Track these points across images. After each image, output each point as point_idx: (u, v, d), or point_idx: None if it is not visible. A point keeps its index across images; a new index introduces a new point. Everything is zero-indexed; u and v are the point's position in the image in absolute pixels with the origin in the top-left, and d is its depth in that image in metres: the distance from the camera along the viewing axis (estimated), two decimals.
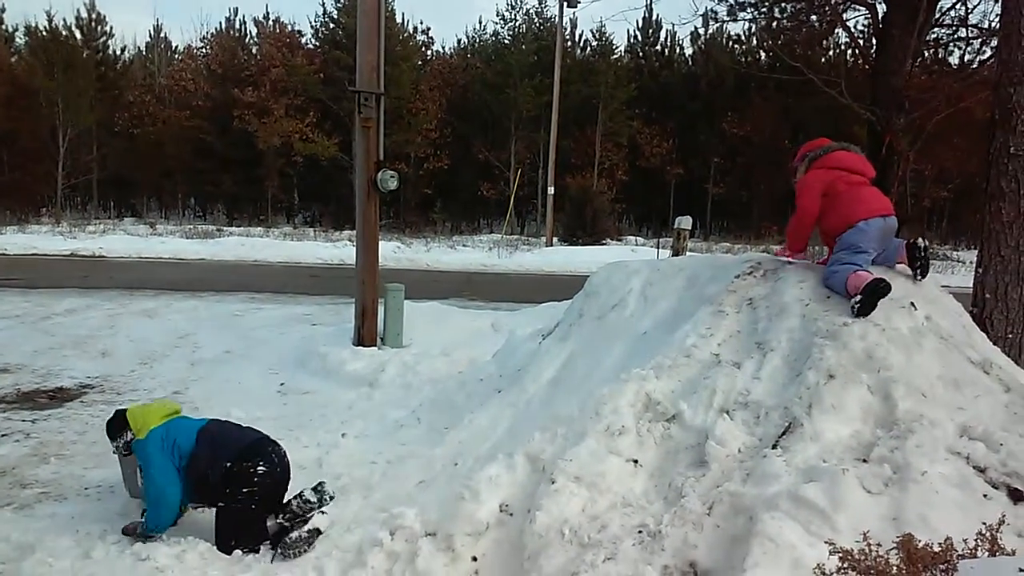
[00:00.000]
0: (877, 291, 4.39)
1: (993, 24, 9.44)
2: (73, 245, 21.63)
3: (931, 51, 11.48)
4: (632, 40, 40.55)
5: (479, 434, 5.42)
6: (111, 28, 37.70)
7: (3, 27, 36.71)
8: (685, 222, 11.54)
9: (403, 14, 64.79)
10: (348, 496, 5.03)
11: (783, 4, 11.40)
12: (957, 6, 10.21)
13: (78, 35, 35.97)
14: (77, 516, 4.76)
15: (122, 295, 13.65)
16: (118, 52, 39.84)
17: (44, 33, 34.40)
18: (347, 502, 4.95)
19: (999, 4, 6.85)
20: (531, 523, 3.78)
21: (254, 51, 37.51)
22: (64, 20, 36.43)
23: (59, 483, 5.37)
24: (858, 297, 4.43)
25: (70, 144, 32.81)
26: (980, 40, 10.30)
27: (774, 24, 13.05)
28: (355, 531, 4.43)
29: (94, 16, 36.68)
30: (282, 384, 8.16)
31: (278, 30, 37.08)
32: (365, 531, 4.31)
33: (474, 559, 3.83)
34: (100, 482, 5.33)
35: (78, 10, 36.97)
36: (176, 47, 45.62)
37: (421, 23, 67.45)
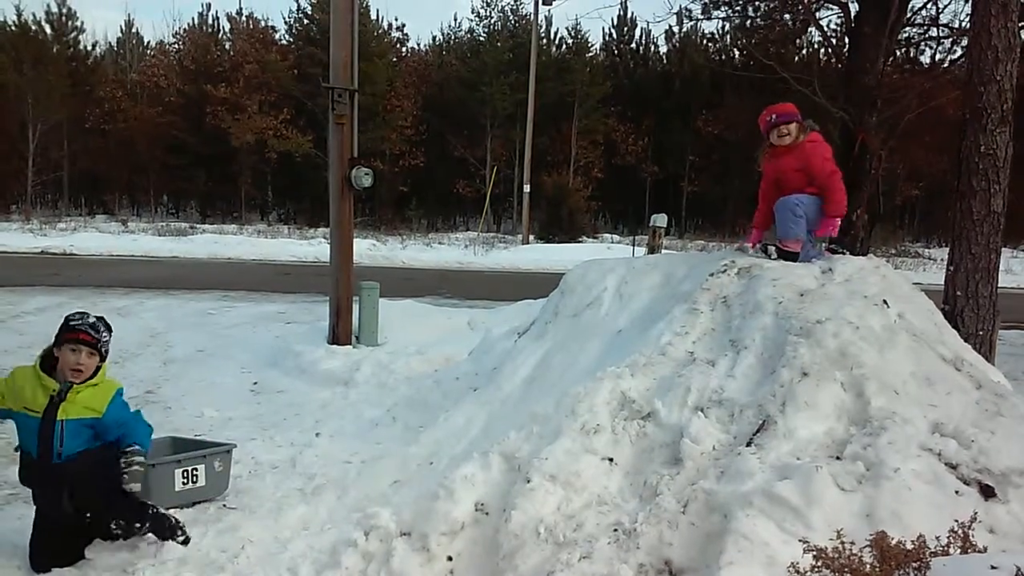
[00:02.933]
0: (790, 259, 5.10)
1: (963, 24, 9.53)
2: (43, 242, 21.37)
3: (903, 50, 11.55)
4: (607, 38, 40.76)
5: (454, 433, 5.40)
6: (82, 23, 37.49)
7: None
8: (660, 220, 11.59)
9: (377, 10, 64.59)
10: (322, 496, 5.00)
11: (757, 3, 11.44)
12: (928, 5, 10.28)
13: (48, 30, 35.63)
14: None
15: (93, 293, 13.48)
16: (89, 47, 39.58)
17: (13, 27, 33.99)
18: (321, 502, 4.92)
19: (969, 4, 6.91)
20: (507, 522, 3.77)
21: (227, 47, 37.25)
22: (34, 15, 36.12)
23: None
24: (775, 252, 5.15)
25: (40, 140, 32.47)
26: (951, 39, 10.37)
27: (748, 23, 13.10)
28: (329, 531, 4.40)
29: (64, 11, 36.37)
30: (255, 383, 8.09)
31: (251, 26, 36.87)
32: (339, 531, 4.28)
33: (449, 559, 3.81)
34: None
35: (48, 4, 36.57)
36: (148, 43, 45.35)
37: (396, 19, 67.26)
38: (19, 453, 4.10)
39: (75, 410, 3.97)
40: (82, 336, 4.02)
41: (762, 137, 5.37)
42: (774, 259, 5.11)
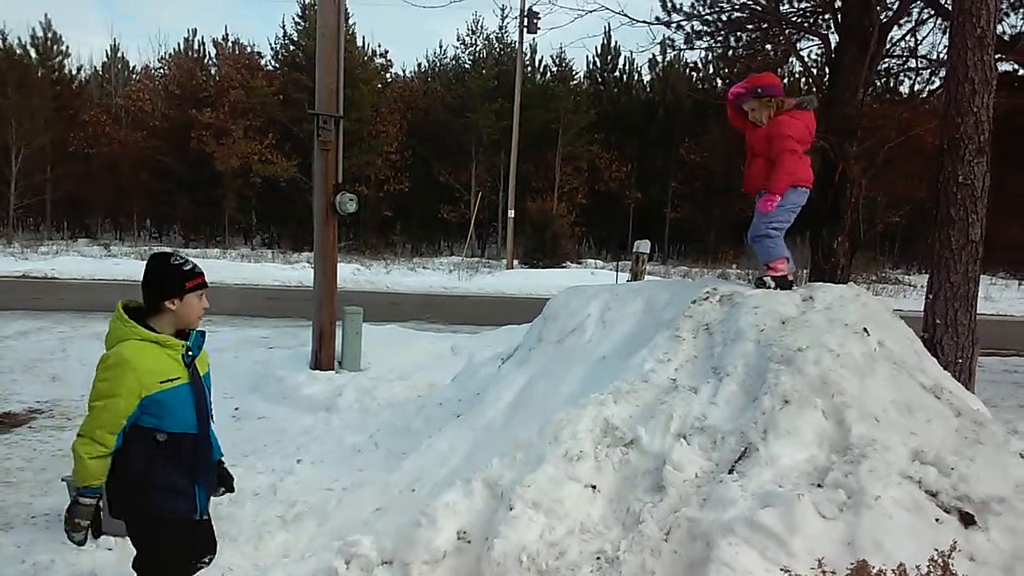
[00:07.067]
0: (786, 285, 5.14)
1: (941, 55, 9.67)
2: (25, 266, 21.20)
3: (882, 81, 11.71)
4: (591, 66, 41.08)
5: (437, 459, 5.37)
6: (67, 47, 37.40)
7: None
8: (644, 246, 11.62)
9: (363, 37, 64.78)
10: (303, 523, 4.96)
11: (739, 33, 11.56)
12: (907, 37, 10.45)
13: (33, 53, 35.56)
14: (24, 545, 4.63)
15: (74, 318, 13.38)
16: (74, 71, 39.53)
17: None
18: (302, 529, 4.88)
19: (947, 37, 7.02)
20: (489, 550, 3.75)
21: (213, 72, 37.27)
22: (19, 38, 36.08)
23: (5, 511, 5.24)
24: (772, 281, 5.12)
25: (23, 164, 32.30)
26: (929, 71, 10.52)
27: (730, 53, 13.24)
28: (310, 559, 4.37)
29: (50, 35, 36.30)
30: (237, 409, 8.04)
31: (237, 51, 36.92)
32: (320, 560, 4.25)
33: None
34: (48, 510, 5.20)
35: (33, 28, 36.57)
36: (134, 67, 45.30)
37: (379, 46, 67.47)
38: (157, 446, 3.21)
39: (202, 364, 3.42)
40: (203, 279, 3.42)
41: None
42: (773, 288, 5.11)
